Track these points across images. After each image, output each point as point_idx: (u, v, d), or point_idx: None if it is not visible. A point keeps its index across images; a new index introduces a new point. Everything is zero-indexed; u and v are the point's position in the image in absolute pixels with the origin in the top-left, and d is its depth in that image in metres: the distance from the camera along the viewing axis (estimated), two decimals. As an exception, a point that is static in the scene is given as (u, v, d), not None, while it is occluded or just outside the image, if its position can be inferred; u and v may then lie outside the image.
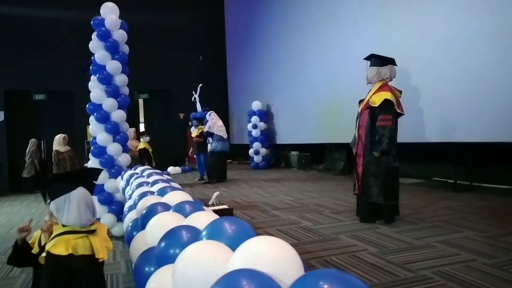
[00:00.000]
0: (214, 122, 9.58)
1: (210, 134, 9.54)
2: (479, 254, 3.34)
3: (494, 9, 5.42)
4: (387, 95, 4.50)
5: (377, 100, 4.55)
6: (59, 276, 1.76)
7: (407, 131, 5.87)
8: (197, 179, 10.07)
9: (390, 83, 4.75)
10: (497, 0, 5.40)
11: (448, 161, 6.71)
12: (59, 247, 1.77)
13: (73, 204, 1.82)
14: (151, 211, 2.38)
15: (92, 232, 1.87)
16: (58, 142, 6.87)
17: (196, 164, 10.46)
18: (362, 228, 4.41)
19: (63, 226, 1.86)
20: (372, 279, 2.97)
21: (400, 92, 4.73)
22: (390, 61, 4.76)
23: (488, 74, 5.50)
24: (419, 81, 6.50)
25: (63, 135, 6.98)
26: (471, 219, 4.54)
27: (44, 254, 1.81)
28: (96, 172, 2.20)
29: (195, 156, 10.49)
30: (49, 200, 1.91)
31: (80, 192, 1.86)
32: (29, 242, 2.13)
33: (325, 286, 1.00)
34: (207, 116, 9.94)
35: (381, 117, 4.53)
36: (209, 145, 9.85)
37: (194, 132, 10.35)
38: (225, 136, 9.62)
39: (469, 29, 5.75)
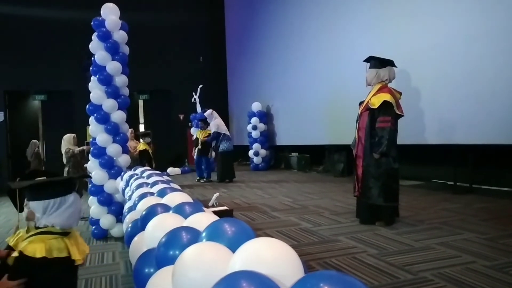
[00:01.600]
0: (220, 122, 9.62)
1: (218, 134, 9.54)
2: (479, 256, 3.34)
3: (495, 11, 5.43)
4: (386, 96, 4.51)
5: (376, 101, 4.55)
6: (23, 277, 1.69)
7: (407, 133, 5.87)
8: (196, 180, 10.03)
9: (390, 85, 4.76)
10: (498, 2, 5.41)
11: (448, 163, 6.71)
12: (33, 248, 1.71)
13: (66, 207, 1.81)
14: (151, 212, 2.37)
15: (67, 234, 1.84)
16: (69, 142, 6.62)
17: (196, 165, 10.28)
18: (362, 230, 4.41)
19: (37, 228, 1.81)
20: (372, 281, 2.97)
21: (400, 93, 4.73)
22: (389, 63, 4.77)
23: (488, 76, 5.50)
24: (419, 83, 6.51)
25: (73, 134, 6.78)
26: (471, 221, 4.54)
27: (15, 254, 1.72)
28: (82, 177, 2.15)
29: (195, 157, 10.31)
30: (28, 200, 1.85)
31: (76, 197, 1.87)
32: (12, 244, 1.94)
33: (326, 288, 0.99)
34: (207, 114, 9.88)
35: (380, 118, 4.54)
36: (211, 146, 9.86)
37: (203, 133, 10.08)
38: (229, 135, 9.74)
39: (469, 31, 5.76)
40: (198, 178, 10.10)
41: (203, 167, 10.06)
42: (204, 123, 10.09)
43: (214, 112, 9.79)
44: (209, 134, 9.84)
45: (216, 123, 9.57)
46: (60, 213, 1.80)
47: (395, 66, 4.80)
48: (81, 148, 6.75)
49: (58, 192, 1.81)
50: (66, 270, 1.82)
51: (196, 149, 10.13)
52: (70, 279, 1.88)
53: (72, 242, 1.84)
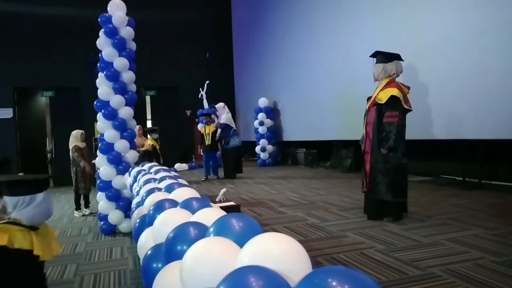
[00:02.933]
0: (230, 116, 9.64)
1: (229, 128, 9.50)
2: (488, 252, 3.32)
3: (504, 5, 5.34)
4: (394, 91, 4.48)
5: (383, 96, 4.52)
6: None
7: (415, 128, 5.82)
8: (203, 178, 9.56)
9: (397, 79, 4.72)
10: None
11: (457, 159, 6.65)
12: None
13: (35, 205, 1.88)
14: (159, 208, 2.38)
15: (35, 229, 1.90)
16: (76, 138, 6.58)
17: (204, 163, 9.79)
18: (370, 226, 4.39)
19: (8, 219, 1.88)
20: (380, 276, 2.96)
21: (408, 88, 4.69)
22: (395, 57, 4.73)
23: (497, 71, 5.43)
24: (427, 78, 6.45)
25: (81, 131, 6.75)
26: (480, 216, 4.51)
27: None
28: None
29: (203, 153, 9.93)
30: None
31: (46, 196, 1.93)
32: None
33: (334, 283, 0.98)
34: (219, 106, 9.82)
35: (388, 113, 4.51)
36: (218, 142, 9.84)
37: (209, 128, 9.60)
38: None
39: (478, 25, 5.68)
40: (204, 177, 9.57)
41: (210, 162, 9.66)
42: (208, 117, 9.77)
43: (226, 106, 9.79)
44: (216, 128, 9.71)
45: (227, 117, 9.57)
46: (28, 211, 1.87)
47: (402, 60, 4.76)
48: (92, 162, 6.58)
49: (28, 191, 1.88)
50: (28, 264, 1.86)
51: (202, 146, 9.78)
52: (32, 273, 1.93)
53: (39, 238, 1.88)
